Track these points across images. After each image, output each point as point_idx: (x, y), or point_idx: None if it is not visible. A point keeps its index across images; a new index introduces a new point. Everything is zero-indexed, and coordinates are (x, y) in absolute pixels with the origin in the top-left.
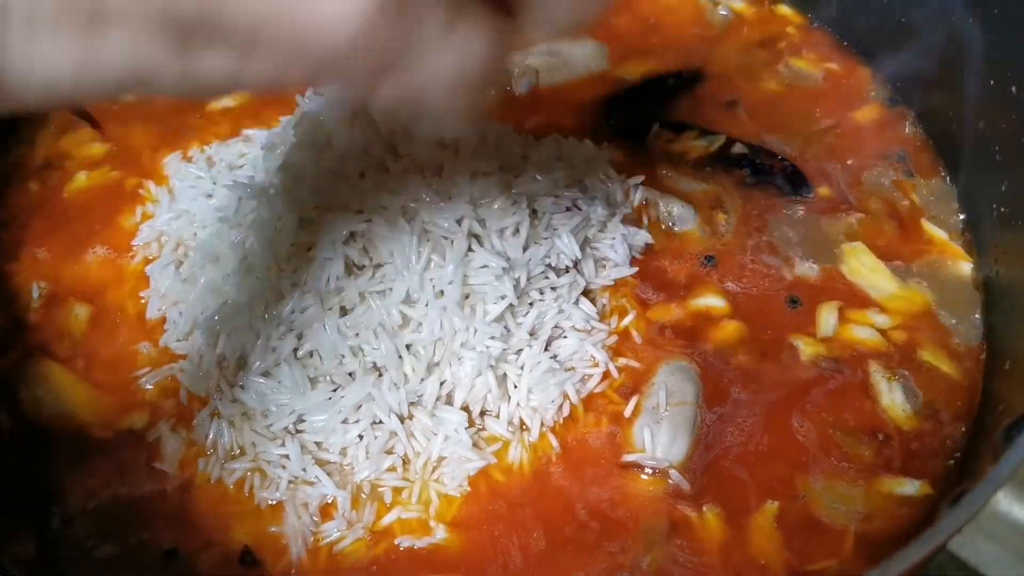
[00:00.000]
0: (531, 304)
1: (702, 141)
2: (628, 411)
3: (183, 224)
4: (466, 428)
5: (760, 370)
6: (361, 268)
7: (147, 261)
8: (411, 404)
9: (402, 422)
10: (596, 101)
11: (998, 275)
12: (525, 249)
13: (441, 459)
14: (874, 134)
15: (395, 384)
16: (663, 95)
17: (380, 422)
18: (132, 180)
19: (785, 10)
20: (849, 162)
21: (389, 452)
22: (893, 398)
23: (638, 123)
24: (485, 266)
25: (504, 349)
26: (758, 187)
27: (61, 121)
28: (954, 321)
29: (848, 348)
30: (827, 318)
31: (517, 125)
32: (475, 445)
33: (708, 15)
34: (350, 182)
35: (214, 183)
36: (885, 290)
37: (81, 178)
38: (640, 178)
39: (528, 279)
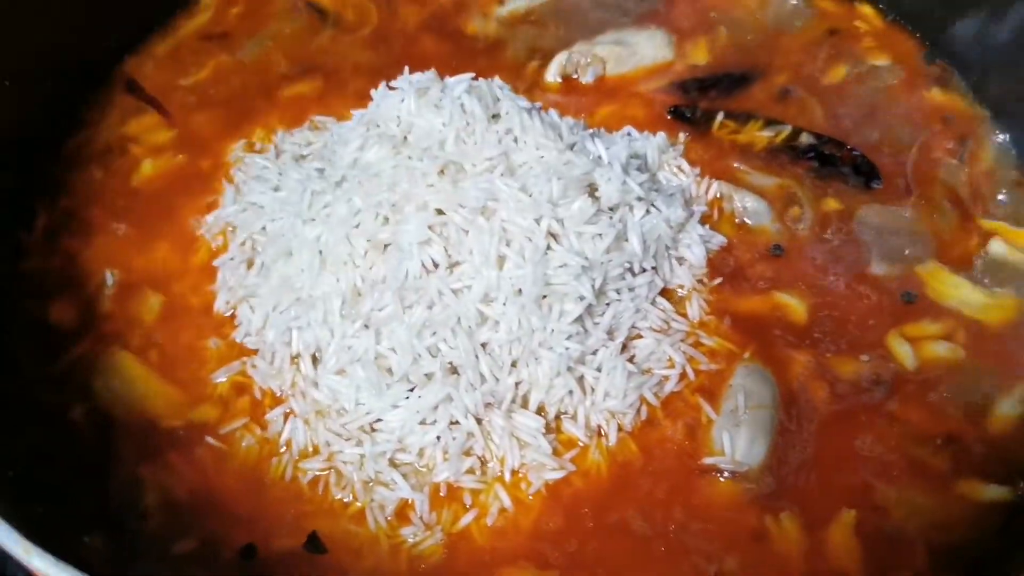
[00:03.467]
0: (608, 304)
1: (768, 131)
2: (706, 414)
3: (250, 216)
4: (543, 433)
5: (835, 375)
6: (439, 266)
7: (211, 252)
8: (487, 405)
9: (479, 423)
10: (662, 90)
11: None
12: (607, 251)
13: (521, 465)
14: (941, 125)
15: (472, 385)
16: (729, 85)
17: (457, 423)
18: (198, 168)
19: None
20: (914, 152)
21: (467, 454)
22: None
23: (703, 113)
24: (564, 265)
25: (582, 350)
26: (826, 178)
27: (125, 106)
28: None
29: (926, 360)
30: (899, 342)
31: (588, 116)
32: (554, 451)
33: (776, 5)
34: (428, 179)
35: (280, 174)
36: (975, 303)
37: (147, 166)
38: None
39: (606, 279)
